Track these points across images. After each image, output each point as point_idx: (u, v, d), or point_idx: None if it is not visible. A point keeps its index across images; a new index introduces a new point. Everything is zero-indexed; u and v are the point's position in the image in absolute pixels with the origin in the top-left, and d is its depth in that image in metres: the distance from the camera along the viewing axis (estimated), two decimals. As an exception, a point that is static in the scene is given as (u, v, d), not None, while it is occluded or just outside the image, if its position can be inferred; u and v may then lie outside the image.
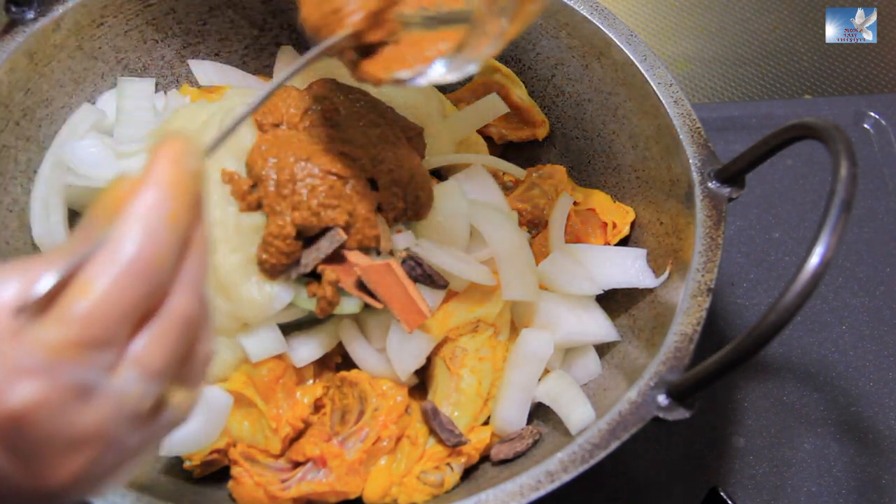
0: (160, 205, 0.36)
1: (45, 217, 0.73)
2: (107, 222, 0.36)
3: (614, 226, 0.77)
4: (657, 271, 0.72)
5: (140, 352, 0.36)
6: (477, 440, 0.68)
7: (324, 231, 0.63)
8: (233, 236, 0.63)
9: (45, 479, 0.36)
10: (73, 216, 0.76)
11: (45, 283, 0.34)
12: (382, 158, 0.65)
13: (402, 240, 0.67)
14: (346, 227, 0.64)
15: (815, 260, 0.48)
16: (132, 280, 0.35)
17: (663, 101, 0.72)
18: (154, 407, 0.38)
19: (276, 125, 0.66)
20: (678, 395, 0.58)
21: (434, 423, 0.66)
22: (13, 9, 0.71)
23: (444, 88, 0.85)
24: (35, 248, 0.73)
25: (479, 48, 0.48)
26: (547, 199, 0.78)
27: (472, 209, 0.71)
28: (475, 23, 0.46)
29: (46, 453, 0.35)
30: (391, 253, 0.67)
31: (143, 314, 0.36)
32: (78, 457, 0.36)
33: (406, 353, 0.67)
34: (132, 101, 0.76)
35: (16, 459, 0.35)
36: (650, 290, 0.71)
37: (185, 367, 0.39)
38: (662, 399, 0.58)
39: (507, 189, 0.80)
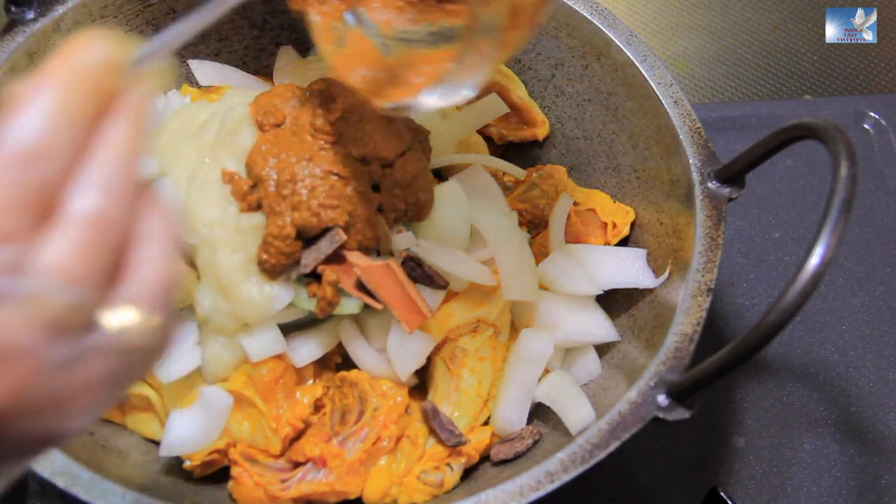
0: (45, 95, 0.33)
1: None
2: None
3: (614, 226, 0.76)
4: (657, 271, 0.72)
5: (50, 255, 0.33)
6: (477, 440, 0.68)
7: (324, 231, 0.63)
8: (233, 236, 0.63)
9: None
10: (73, 216, 0.76)
11: None
12: (393, 161, 0.66)
13: (403, 240, 0.67)
14: (347, 228, 0.64)
15: (815, 260, 0.48)
16: (16, 170, 0.32)
17: (663, 101, 0.72)
18: (81, 322, 0.34)
19: (277, 125, 0.66)
20: (678, 395, 0.58)
21: (434, 424, 0.66)
22: (13, 9, 0.71)
23: (444, 88, 0.85)
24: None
25: (469, 70, 0.48)
26: (547, 199, 0.78)
27: (472, 209, 0.71)
28: (463, 41, 0.46)
29: None
30: (391, 253, 0.67)
31: (43, 212, 0.33)
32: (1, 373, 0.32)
33: (406, 353, 0.67)
34: (132, 102, 0.76)
35: None
36: (650, 290, 0.71)
37: (121, 282, 0.35)
38: (662, 399, 0.58)
39: (507, 189, 0.80)
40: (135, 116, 0.36)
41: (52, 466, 0.57)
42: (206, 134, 0.68)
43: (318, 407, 0.68)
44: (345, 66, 0.53)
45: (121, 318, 0.35)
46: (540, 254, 0.75)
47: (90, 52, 0.35)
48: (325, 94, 0.66)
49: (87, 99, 0.35)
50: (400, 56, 0.52)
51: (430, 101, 0.50)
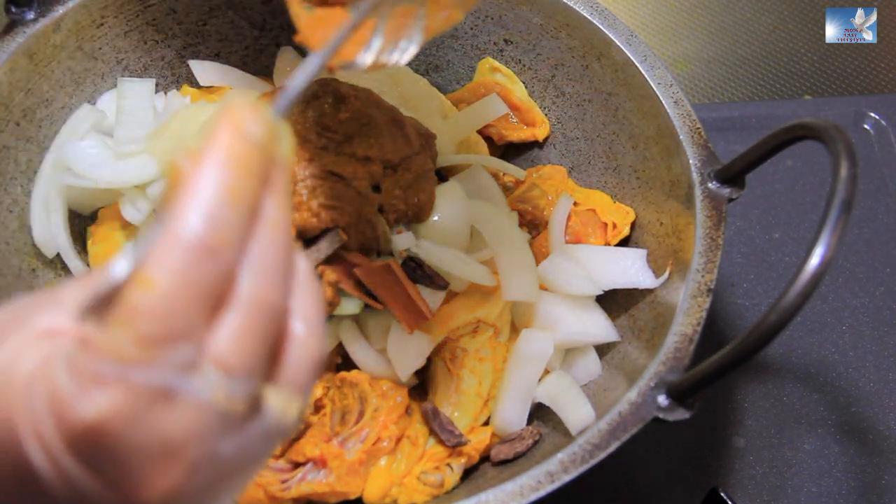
0: (219, 180, 0.32)
1: (46, 218, 0.73)
2: (167, 207, 0.32)
3: (614, 226, 0.76)
4: (657, 272, 0.72)
5: (219, 347, 0.32)
6: (477, 441, 0.68)
7: (324, 232, 0.63)
8: (233, 237, 0.63)
9: (137, 498, 0.32)
10: (74, 217, 0.76)
11: (113, 275, 0.31)
12: (397, 163, 0.65)
13: (403, 241, 0.67)
14: (347, 228, 0.64)
15: (815, 260, 0.48)
16: (195, 266, 0.31)
17: (663, 102, 0.72)
18: (247, 411, 0.34)
19: (277, 126, 0.66)
20: (678, 395, 0.58)
21: (434, 424, 0.66)
22: (13, 9, 0.71)
23: (444, 89, 0.85)
24: (35, 249, 0.73)
25: (398, 32, 0.49)
26: (547, 199, 0.78)
27: (473, 210, 0.71)
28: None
29: (133, 468, 0.31)
30: (391, 254, 0.67)
31: (216, 303, 0.32)
32: (170, 470, 0.32)
33: (406, 353, 0.67)
34: (132, 102, 0.76)
35: (100, 478, 0.31)
36: (650, 291, 0.71)
37: (277, 367, 0.35)
38: (662, 399, 0.58)
39: (507, 190, 0.80)
40: (284, 190, 0.36)
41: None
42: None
43: (318, 407, 0.68)
44: (311, 28, 0.54)
45: (280, 401, 0.35)
46: (540, 254, 0.75)
47: (251, 126, 0.34)
48: (335, 95, 0.66)
49: (254, 180, 0.34)
50: (366, 21, 0.53)
51: (367, 57, 0.50)
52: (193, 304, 0.31)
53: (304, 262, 0.37)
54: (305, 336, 0.36)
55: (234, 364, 0.33)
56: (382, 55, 0.50)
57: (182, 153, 0.33)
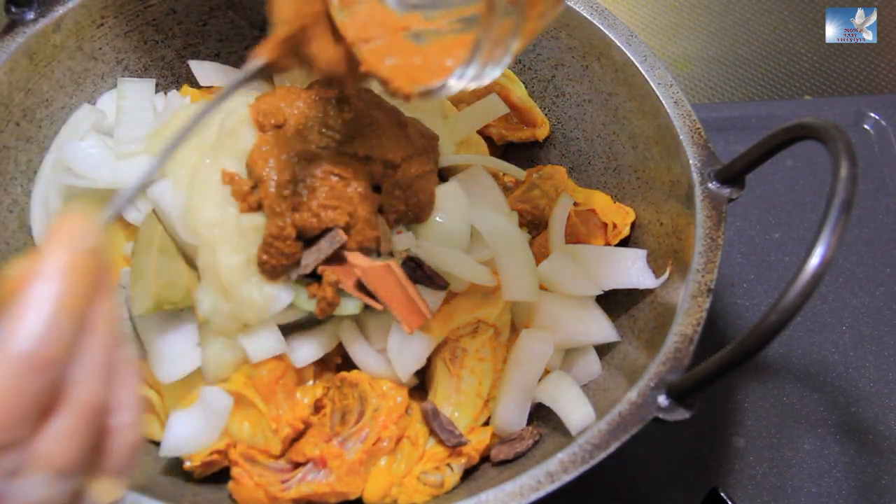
0: (54, 294, 0.34)
1: (45, 218, 0.73)
2: (1, 314, 0.34)
3: (614, 226, 0.77)
4: (657, 272, 0.72)
5: (45, 450, 0.34)
6: (477, 441, 0.68)
7: (324, 232, 0.63)
8: (233, 237, 0.63)
9: None
10: (74, 217, 0.76)
11: None
12: (398, 164, 0.65)
13: (403, 241, 0.67)
14: (347, 228, 0.64)
15: (815, 260, 0.48)
16: (27, 380, 0.33)
17: (663, 102, 0.72)
18: (72, 501, 0.36)
19: (278, 126, 0.66)
20: (678, 395, 0.58)
21: (434, 424, 0.66)
22: (13, 9, 0.71)
23: (444, 89, 0.85)
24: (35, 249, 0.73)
25: (494, 53, 0.48)
26: (547, 199, 0.78)
27: (473, 210, 0.71)
28: (482, 24, 0.46)
29: None
30: (391, 254, 0.67)
31: (45, 408, 0.34)
32: None
33: (406, 353, 0.67)
34: (132, 102, 0.76)
35: None
36: (650, 291, 0.71)
37: (101, 456, 0.37)
38: (662, 399, 0.58)
39: (507, 190, 0.80)
40: (112, 289, 0.38)
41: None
42: (207, 135, 0.68)
43: (318, 407, 0.68)
44: (376, 57, 0.54)
45: (101, 488, 0.38)
46: (540, 254, 0.75)
47: (84, 235, 0.36)
48: (339, 95, 0.66)
49: (87, 287, 0.36)
50: (432, 43, 0.52)
51: (459, 84, 0.50)
52: (23, 415, 0.33)
53: (125, 352, 0.39)
54: (127, 426, 0.38)
55: (61, 464, 0.35)
56: (469, 80, 0.50)
57: (15, 266, 0.35)
